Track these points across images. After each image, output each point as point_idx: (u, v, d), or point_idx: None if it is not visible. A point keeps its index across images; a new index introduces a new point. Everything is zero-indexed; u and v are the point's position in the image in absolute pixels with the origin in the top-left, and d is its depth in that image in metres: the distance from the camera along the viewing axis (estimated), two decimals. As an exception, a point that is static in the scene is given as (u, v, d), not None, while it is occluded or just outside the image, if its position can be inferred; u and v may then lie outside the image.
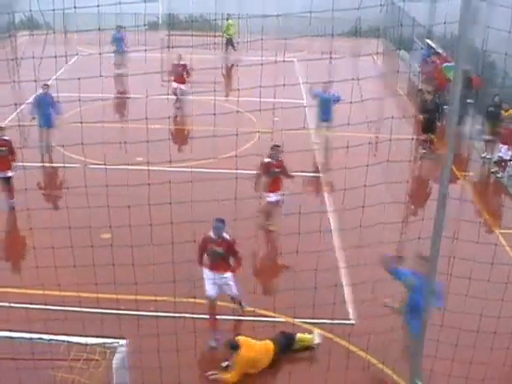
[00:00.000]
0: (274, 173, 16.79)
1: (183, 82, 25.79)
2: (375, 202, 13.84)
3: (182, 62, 25.79)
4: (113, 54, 30.51)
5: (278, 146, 16.93)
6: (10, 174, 17.71)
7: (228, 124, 22.40)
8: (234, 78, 32.42)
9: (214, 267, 13.19)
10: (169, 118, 25.07)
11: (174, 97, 25.97)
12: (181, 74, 25.71)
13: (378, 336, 12.21)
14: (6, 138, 17.83)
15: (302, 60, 32.09)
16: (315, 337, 12.94)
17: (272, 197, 16.96)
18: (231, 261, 13.23)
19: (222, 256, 13.09)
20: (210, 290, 13.06)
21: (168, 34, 36.29)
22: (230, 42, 35.06)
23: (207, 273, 13.19)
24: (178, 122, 25.22)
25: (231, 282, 13.22)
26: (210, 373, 12.16)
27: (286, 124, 22.92)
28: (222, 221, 13.11)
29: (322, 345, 12.80)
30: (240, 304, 13.81)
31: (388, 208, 15.25)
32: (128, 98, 28.26)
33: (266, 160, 16.84)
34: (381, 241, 14.49)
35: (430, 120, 23.64)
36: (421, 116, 23.96)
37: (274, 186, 16.91)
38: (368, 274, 13.61)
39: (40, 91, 21.29)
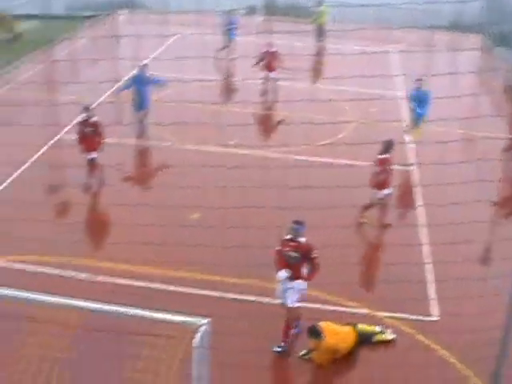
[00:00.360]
0: (389, 168, 16.29)
1: (273, 69, 25.75)
2: (466, 200, 13.60)
3: (272, 49, 25.73)
4: (216, 37, 30.57)
5: (391, 141, 16.37)
6: (94, 155, 17.68)
7: (321, 112, 22.40)
8: (326, 67, 32.25)
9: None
10: (261, 102, 25.19)
11: (265, 83, 25.98)
12: (271, 60, 25.65)
13: (461, 335, 12.01)
14: (94, 119, 17.68)
15: (399, 52, 31.63)
16: (376, 329, 12.70)
17: (385, 191, 16.45)
18: (305, 267, 12.01)
19: (296, 261, 11.93)
20: (281, 295, 12.20)
21: (264, 19, 36.34)
22: (321, 30, 34.74)
23: (280, 275, 12.06)
24: (270, 108, 25.22)
25: (296, 290, 12.04)
26: (301, 353, 12.11)
27: (381, 115, 22.74)
28: (301, 223, 11.99)
29: (402, 339, 12.62)
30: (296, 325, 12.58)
31: (478, 206, 14.97)
32: (224, 80, 28.37)
33: (384, 156, 16.26)
34: (470, 239, 14.24)
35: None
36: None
37: (387, 181, 16.39)
38: (455, 271, 13.41)
39: (136, 71, 21.41)
